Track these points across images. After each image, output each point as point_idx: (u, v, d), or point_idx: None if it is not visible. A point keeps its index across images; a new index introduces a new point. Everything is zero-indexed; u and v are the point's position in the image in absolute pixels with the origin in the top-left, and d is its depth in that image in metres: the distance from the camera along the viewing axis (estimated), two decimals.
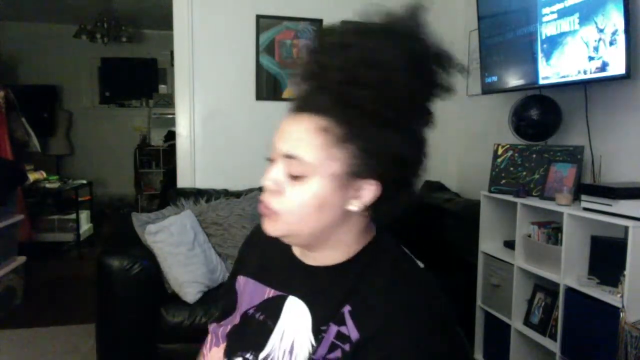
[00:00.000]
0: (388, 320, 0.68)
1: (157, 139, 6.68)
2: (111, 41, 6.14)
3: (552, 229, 2.06)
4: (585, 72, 2.00)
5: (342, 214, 0.72)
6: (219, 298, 0.96)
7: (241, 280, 0.88)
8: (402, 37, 0.69)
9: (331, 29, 0.73)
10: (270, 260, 0.85)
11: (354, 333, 0.69)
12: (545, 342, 2.03)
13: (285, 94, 3.14)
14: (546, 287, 2.11)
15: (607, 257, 1.81)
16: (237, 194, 2.81)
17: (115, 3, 5.62)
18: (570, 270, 1.89)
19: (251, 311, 0.82)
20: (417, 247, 2.51)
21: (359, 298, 0.71)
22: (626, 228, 1.66)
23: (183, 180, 3.07)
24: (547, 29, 2.17)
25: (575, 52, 2.03)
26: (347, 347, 0.69)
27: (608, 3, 1.86)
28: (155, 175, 6.58)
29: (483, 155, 2.70)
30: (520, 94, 2.44)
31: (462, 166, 3.32)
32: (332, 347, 0.70)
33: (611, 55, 1.88)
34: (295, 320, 0.75)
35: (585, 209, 1.83)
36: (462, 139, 3.31)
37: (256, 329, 0.79)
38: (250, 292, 0.84)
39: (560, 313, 1.91)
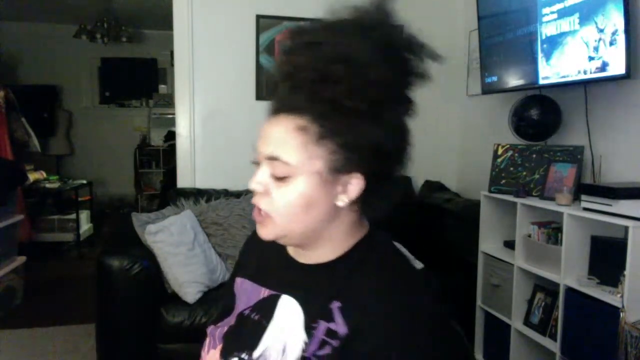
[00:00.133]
0: (376, 315, 0.68)
1: (157, 139, 6.68)
2: (111, 41, 6.14)
3: (552, 229, 2.06)
4: (585, 72, 2.00)
5: (331, 211, 0.73)
6: (219, 299, 0.97)
7: (238, 281, 0.89)
8: (370, 30, 0.69)
9: (301, 29, 0.74)
10: (267, 261, 0.86)
11: (342, 329, 0.69)
12: (545, 342, 2.03)
13: None
14: (546, 287, 2.11)
15: (607, 257, 1.81)
16: (237, 194, 2.81)
17: (115, 3, 5.61)
18: (570, 270, 1.89)
19: (247, 312, 0.82)
20: (417, 247, 2.52)
21: (348, 294, 0.71)
22: (626, 228, 1.66)
23: (183, 180, 3.07)
24: (547, 29, 2.17)
25: (575, 52, 2.03)
26: (336, 343, 0.69)
27: (608, 3, 1.86)
28: (155, 175, 6.59)
29: (483, 155, 2.70)
30: (520, 94, 2.44)
31: (462, 166, 3.32)
32: (322, 344, 0.70)
33: (611, 55, 1.88)
34: (288, 318, 0.75)
35: (585, 209, 1.83)
36: (462, 139, 3.31)
37: (251, 328, 0.79)
38: (247, 293, 0.85)
39: (560, 313, 1.91)
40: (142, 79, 7.33)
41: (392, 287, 0.71)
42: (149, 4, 5.56)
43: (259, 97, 3.11)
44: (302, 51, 0.70)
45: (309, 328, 0.72)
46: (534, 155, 2.28)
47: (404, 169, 0.75)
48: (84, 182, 5.29)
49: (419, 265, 2.35)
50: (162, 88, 7.40)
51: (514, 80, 2.45)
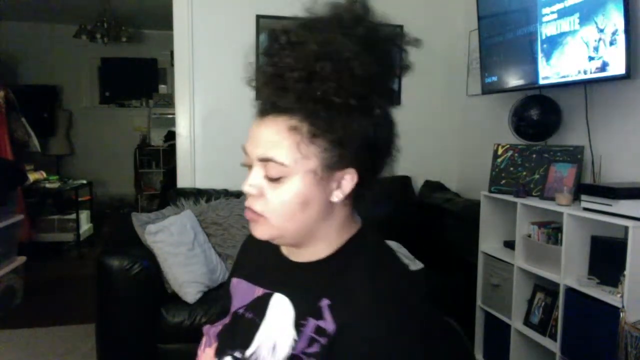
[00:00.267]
0: (364, 310, 0.68)
1: (157, 139, 6.68)
2: (111, 41, 6.13)
3: (552, 229, 2.06)
4: (585, 72, 2.00)
5: (326, 207, 0.73)
6: (218, 299, 0.97)
7: (234, 281, 0.89)
8: (352, 25, 0.70)
9: (282, 30, 0.74)
10: (263, 261, 0.86)
11: (331, 327, 0.70)
12: (545, 342, 2.03)
13: None
14: (546, 287, 2.11)
15: (607, 257, 1.81)
16: (237, 194, 2.81)
17: (115, 3, 5.61)
18: (570, 270, 1.89)
19: (241, 310, 0.83)
20: (417, 247, 2.53)
21: (338, 292, 0.72)
22: (626, 228, 1.66)
23: (183, 180, 3.07)
24: (547, 29, 2.17)
25: (575, 52, 2.03)
26: (324, 340, 0.70)
27: (608, 3, 1.86)
28: (155, 175, 6.59)
29: (483, 155, 2.70)
30: (520, 94, 2.44)
31: (462, 166, 3.32)
32: (311, 341, 0.71)
33: (611, 55, 1.88)
34: (279, 316, 0.75)
35: (585, 209, 1.83)
36: (462, 139, 3.31)
37: (245, 327, 0.80)
38: (242, 293, 0.85)
39: (560, 313, 1.91)
40: (142, 79, 7.33)
41: (381, 285, 0.71)
42: (149, 4, 5.55)
43: (258, 97, 3.10)
44: (286, 52, 0.70)
45: (299, 326, 0.72)
46: (534, 155, 2.28)
47: (393, 160, 0.77)
48: (84, 182, 5.29)
49: (419, 265, 2.35)
50: (162, 88, 7.40)
51: (514, 80, 2.45)
